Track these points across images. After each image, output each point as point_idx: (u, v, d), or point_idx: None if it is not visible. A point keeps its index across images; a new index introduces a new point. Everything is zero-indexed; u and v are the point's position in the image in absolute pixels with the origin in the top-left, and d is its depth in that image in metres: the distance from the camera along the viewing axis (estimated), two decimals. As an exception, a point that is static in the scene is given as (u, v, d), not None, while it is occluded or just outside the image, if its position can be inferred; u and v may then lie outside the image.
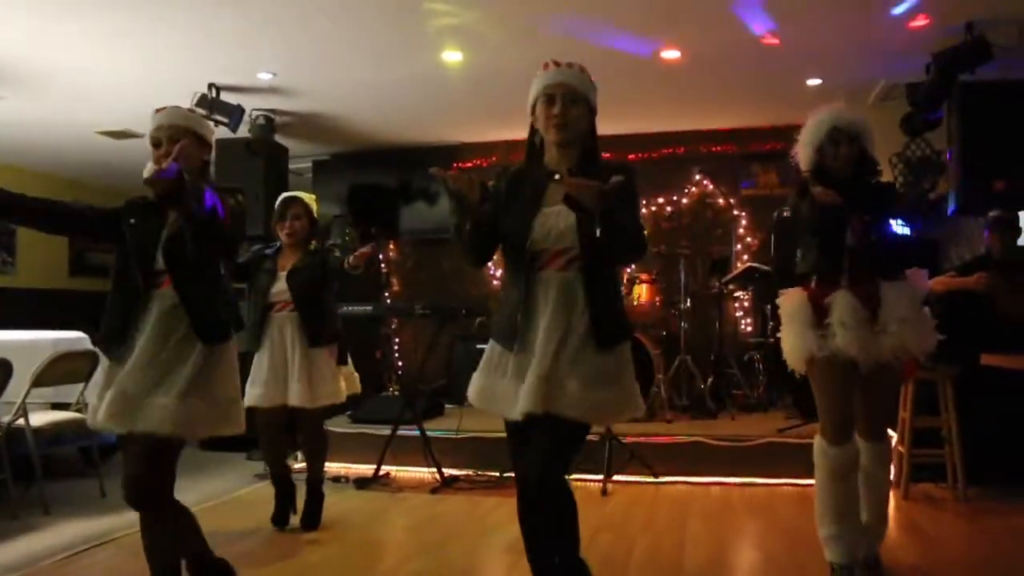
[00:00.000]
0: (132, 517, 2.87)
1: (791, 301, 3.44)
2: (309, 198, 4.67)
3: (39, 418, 4.99)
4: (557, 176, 2.55)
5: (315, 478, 4.68)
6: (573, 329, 2.56)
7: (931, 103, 5.66)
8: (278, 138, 7.36)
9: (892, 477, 3.47)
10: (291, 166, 7.86)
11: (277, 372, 4.43)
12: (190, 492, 5.27)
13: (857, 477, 3.35)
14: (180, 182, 2.58)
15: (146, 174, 2.63)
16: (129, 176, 4.66)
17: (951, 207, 5.53)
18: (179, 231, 2.77)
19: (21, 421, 4.83)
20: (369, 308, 6.53)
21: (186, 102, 6.11)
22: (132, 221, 2.90)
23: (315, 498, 4.65)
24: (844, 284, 3.30)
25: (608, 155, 2.73)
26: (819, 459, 3.34)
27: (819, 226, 3.30)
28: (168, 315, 2.82)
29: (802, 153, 3.42)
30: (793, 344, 3.38)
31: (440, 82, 6.26)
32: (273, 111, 7.00)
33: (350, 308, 6.18)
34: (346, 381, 4.68)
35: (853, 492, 3.35)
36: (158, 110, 2.96)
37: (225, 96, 6.38)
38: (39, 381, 4.81)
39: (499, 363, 2.68)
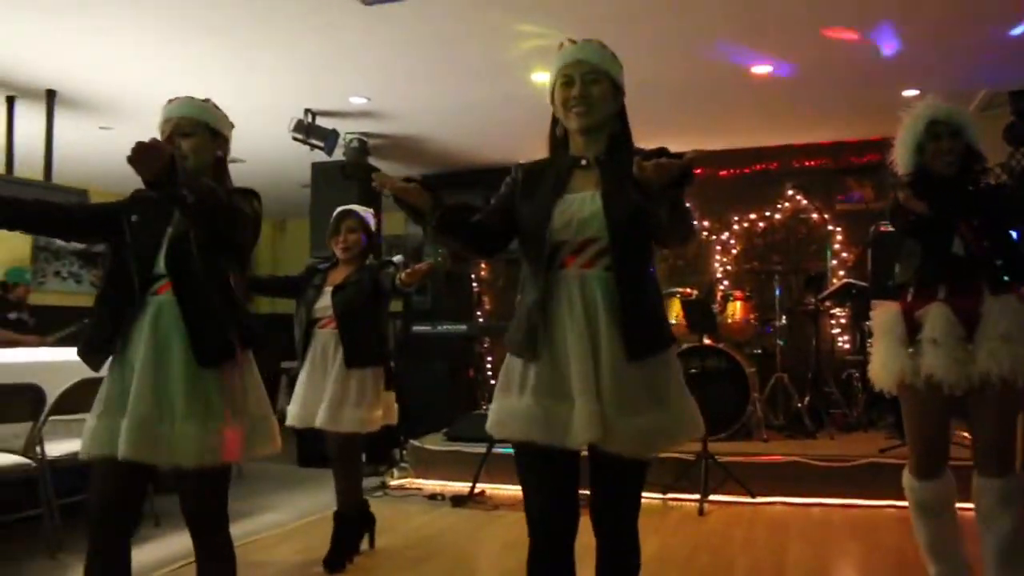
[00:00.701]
0: (240, 531, 2.88)
1: (884, 314, 3.13)
2: (365, 212, 4.46)
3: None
4: (584, 161, 2.36)
5: (340, 509, 4.28)
6: (602, 340, 2.20)
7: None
8: (372, 160, 7.51)
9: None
10: (384, 188, 8.00)
11: (316, 391, 4.12)
12: (288, 508, 5.39)
13: (952, 512, 3.06)
14: (170, 168, 2.19)
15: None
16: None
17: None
18: (185, 232, 2.50)
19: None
20: (463, 327, 6.62)
21: (283, 127, 6.33)
22: (134, 219, 2.60)
23: (339, 532, 4.23)
24: (941, 296, 2.96)
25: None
26: (907, 494, 3.10)
27: (912, 231, 3.00)
28: (166, 325, 2.49)
29: (900, 154, 3.11)
30: (883, 364, 3.06)
31: (530, 103, 6.29)
32: (366, 134, 7.18)
33: (444, 327, 6.26)
34: (385, 410, 4.25)
35: (949, 529, 3.05)
36: (170, 101, 2.69)
37: (320, 121, 6.57)
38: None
39: (517, 379, 2.30)
